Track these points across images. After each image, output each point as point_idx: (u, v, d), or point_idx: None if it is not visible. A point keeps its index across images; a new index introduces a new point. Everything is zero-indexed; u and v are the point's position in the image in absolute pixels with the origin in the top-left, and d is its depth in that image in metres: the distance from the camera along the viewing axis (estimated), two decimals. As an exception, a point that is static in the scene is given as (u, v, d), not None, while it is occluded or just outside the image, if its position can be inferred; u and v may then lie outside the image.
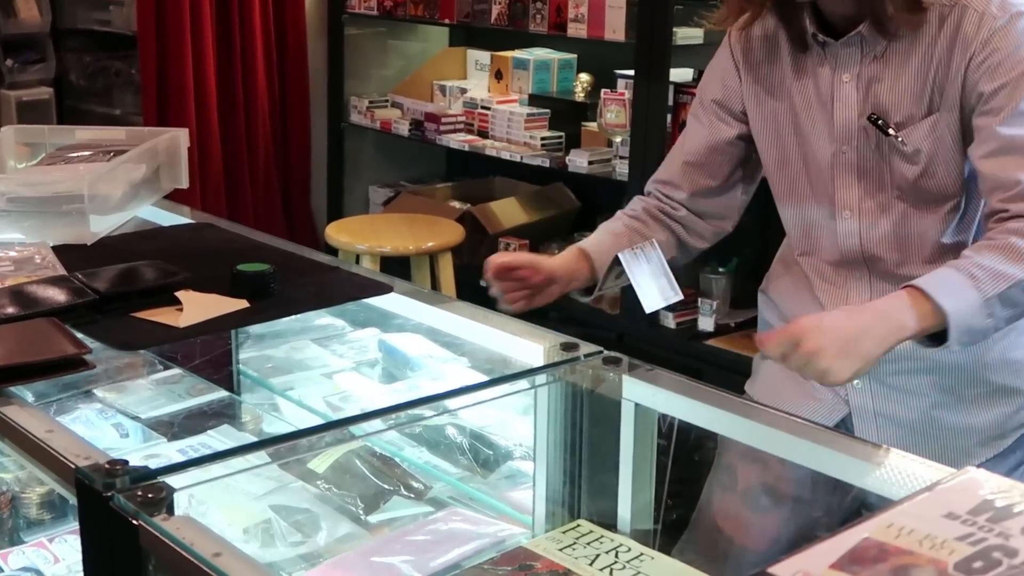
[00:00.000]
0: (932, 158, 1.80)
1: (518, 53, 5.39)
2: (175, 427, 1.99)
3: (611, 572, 1.46)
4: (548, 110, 5.13)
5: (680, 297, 1.80)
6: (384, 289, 1.92)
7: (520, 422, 1.80)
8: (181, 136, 2.45)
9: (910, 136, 1.81)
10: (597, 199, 5.14)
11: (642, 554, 1.50)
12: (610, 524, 1.58)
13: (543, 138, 5.01)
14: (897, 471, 1.32)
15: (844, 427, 1.97)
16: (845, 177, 1.88)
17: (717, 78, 2.02)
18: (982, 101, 1.75)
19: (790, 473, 1.58)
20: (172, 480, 1.24)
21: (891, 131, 1.82)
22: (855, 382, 1.94)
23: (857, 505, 1.43)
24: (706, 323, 4.44)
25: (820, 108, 1.88)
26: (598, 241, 1.99)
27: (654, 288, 1.78)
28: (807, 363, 1.55)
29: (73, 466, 1.26)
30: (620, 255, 1.77)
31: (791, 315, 2.03)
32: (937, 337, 1.64)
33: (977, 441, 1.93)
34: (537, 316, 1.85)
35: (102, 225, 2.16)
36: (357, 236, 4.42)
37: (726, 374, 3.46)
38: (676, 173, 2.05)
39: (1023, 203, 1.70)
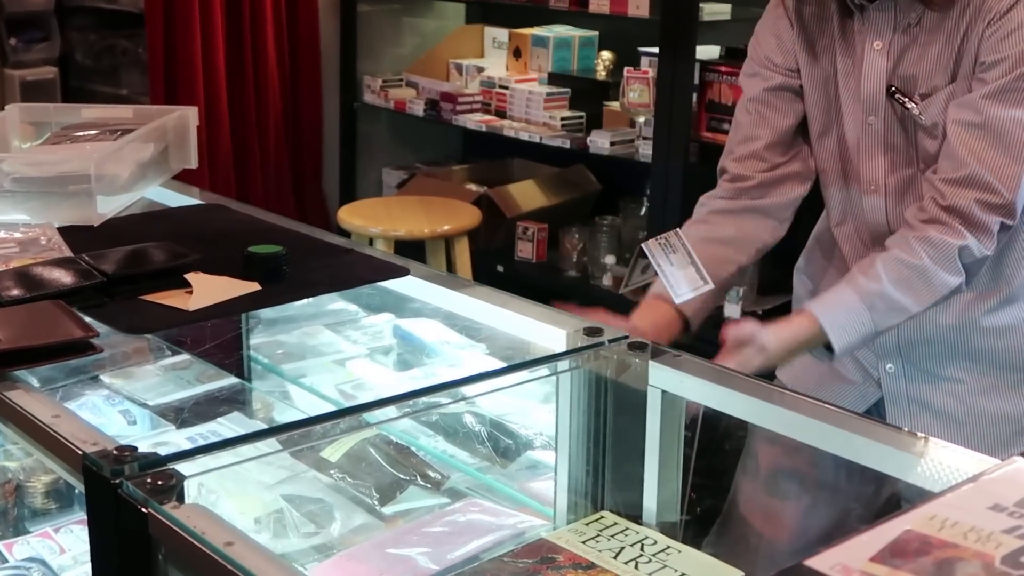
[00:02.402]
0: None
1: (537, 30, 5.38)
2: (184, 414, 1.98)
3: (636, 565, 1.45)
4: (568, 89, 5.12)
5: (711, 286, 1.79)
6: (401, 272, 1.91)
7: (541, 410, 1.79)
8: (190, 115, 2.44)
9: (928, 108, 1.80)
10: (619, 181, 5.13)
11: (669, 547, 1.49)
12: (635, 516, 1.57)
13: (563, 118, 4.99)
14: (937, 461, 1.30)
15: (876, 412, 1.97)
16: (871, 150, 1.88)
17: (771, 35, 2.00)
18: (981, 69, 1.76)
19: (823, 463, 1.57)
20: (182, 467, 1.23)
21: (909, 103, 1.81)
22: (888, 366, 1.95)
23: (892, 496, 1.41)
24: (732, 310, 4.43)
25: (854, 76, 1.87)
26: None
27: (682, 278, 1.78)
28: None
29: (80, 452, 1.26)
30: (645, 246, 1.77)
31: (824, 288, 2.03)
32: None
33: (1015, 430, 1.92)
34: (559, 303, 1.84)
35: (109, 206, 2.15)
36: (370, 219, 4.42)
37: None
38: (748, 124, 2.02)
39: (959, 193, 1.75)
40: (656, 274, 1.77)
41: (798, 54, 1.95)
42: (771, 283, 4.41)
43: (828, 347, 1.79)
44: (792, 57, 1.96)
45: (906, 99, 1.82)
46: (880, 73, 1.84)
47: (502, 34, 5.55)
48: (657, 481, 1.56)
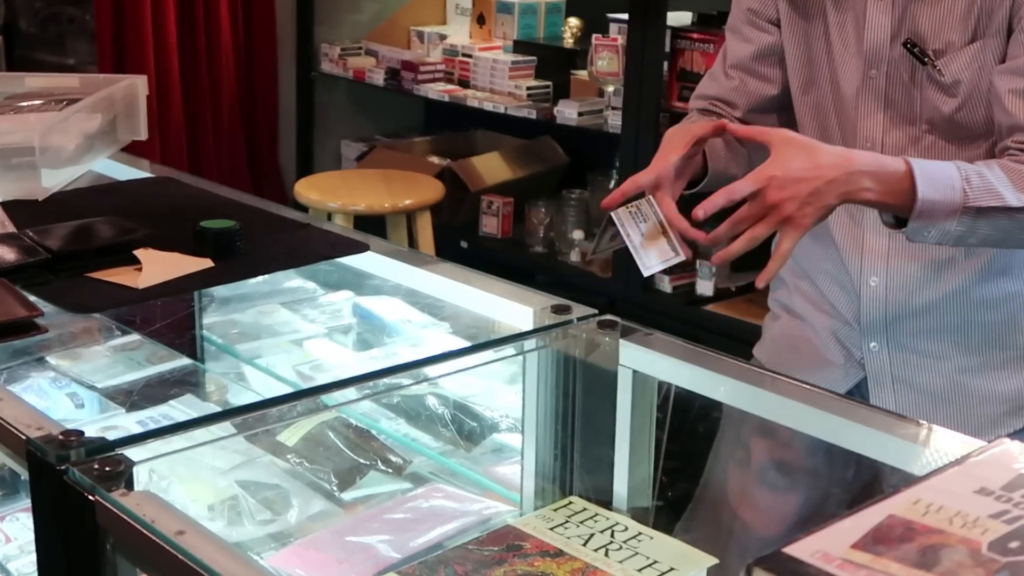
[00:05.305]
0: (973, 91, 1.78)
1: (502, -4, 5.36)
2: (134, 397, 1.97)
3: (606, 552, 1.45)
4: (534, 57, 5.11)
5: (681, 257, 1.77)
6: (360, 248, 1.90)
7: (507, 391, 1.79)
8: (139, 84, 2.42)
9: (949, 65, 1.78)
10: (587, 153, 5.12)
11: (640, 533, 1.49)
12: (605, 501, 1.57)
13: (529, 88, 4.98)
14: (921, 443, 1.30)
15: (858, 393, 1.97)
16: (870, 105, 1.86)
17: None
18: (1021, 29, 1.73)
19: (802, 446, 1.57)
20: (131, 453, 1.22)
21: (928, 59, 1.79)
22: (871, 344, 1.94)
23: (873, 480, 1.41)
24: (705, 287, 4.43)
25: (853, 28, 1.86)
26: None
27: (652, 250, 1.76)
28: (767, 214, 1.67)
29: (24, 437, 1.24)
30: (614, 214, 1.76)
31: (806, 261, 2.02)
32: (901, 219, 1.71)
33: (1005, 410, 1.92)
34: (524, 279, 1.83)
35: (55, 179, 2.13)
36: (328, 193, 4.40)
37: (726, 341, 3.46)
38: (728, 88, 2.02)
39: None
40: (623, 244, 1.76)
41: (779, 3, 1.94)
42: (746, 259, 4.41)
43: (898, 220, 1.71)
44: (772, 7, 1.95)
45: (924, 55, 1.79)
46: (885, 26, 1.82)
47: (465, 0, 5.53)
48: (628, 465, 1.55)
